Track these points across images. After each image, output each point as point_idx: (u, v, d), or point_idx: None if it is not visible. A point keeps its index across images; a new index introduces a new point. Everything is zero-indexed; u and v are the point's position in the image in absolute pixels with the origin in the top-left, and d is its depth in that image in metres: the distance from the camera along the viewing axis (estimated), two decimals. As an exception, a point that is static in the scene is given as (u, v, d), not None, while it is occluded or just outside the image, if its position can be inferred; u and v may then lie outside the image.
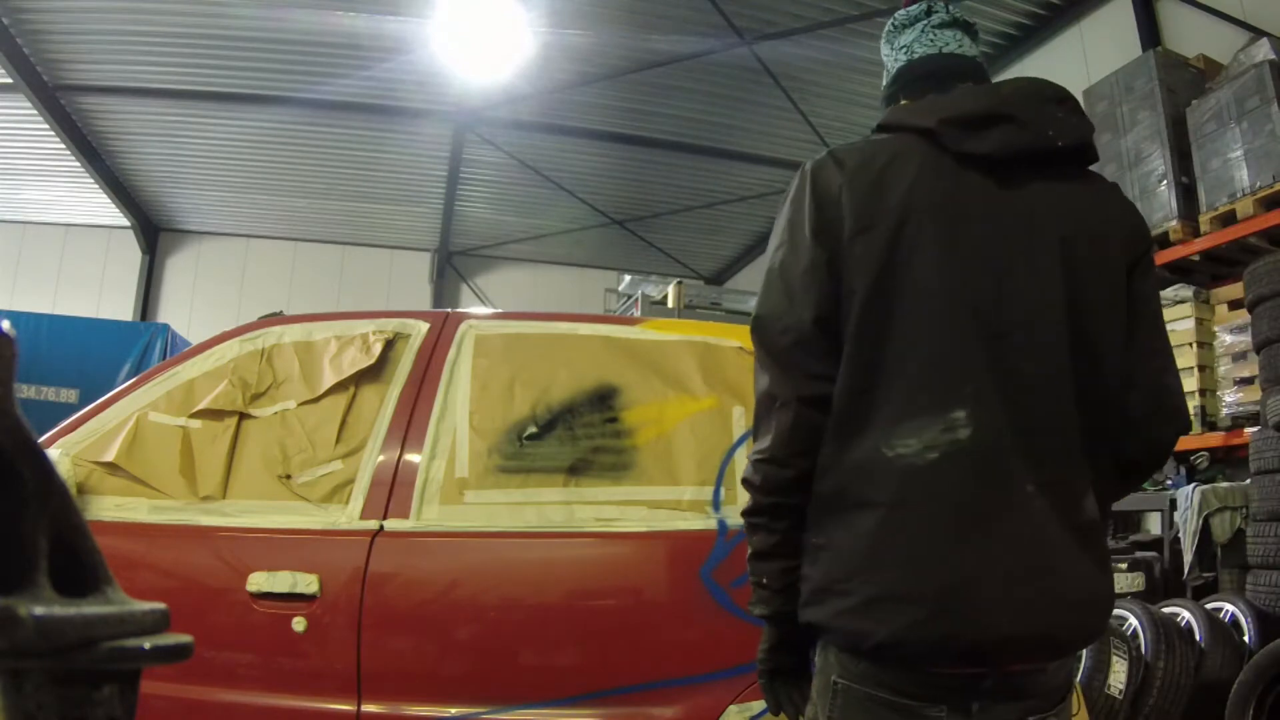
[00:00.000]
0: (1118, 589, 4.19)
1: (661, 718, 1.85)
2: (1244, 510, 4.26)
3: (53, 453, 2.14)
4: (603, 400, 2.21)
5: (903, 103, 1.30)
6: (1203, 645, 3.48)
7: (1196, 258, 5.39)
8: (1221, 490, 4.42)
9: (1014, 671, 1.09)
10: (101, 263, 11.79)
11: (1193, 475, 4.85)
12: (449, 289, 12.71)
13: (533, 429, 2.17)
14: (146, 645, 0.49)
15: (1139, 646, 3.42)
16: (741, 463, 2.06)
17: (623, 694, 1.88)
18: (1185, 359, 5.27)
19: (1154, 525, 5.01)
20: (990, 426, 1.08)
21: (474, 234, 12.34)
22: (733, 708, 1.81)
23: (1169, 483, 4.80)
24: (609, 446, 2.15)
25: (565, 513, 2.06)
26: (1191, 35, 6.18)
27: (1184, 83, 5.57)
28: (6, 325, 0.47)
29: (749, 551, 1.22)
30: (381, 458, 2.14)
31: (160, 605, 0.52)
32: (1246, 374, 4.88)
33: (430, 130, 9.71)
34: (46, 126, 8.83)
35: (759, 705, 1.79)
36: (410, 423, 2.18)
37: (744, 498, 2.01)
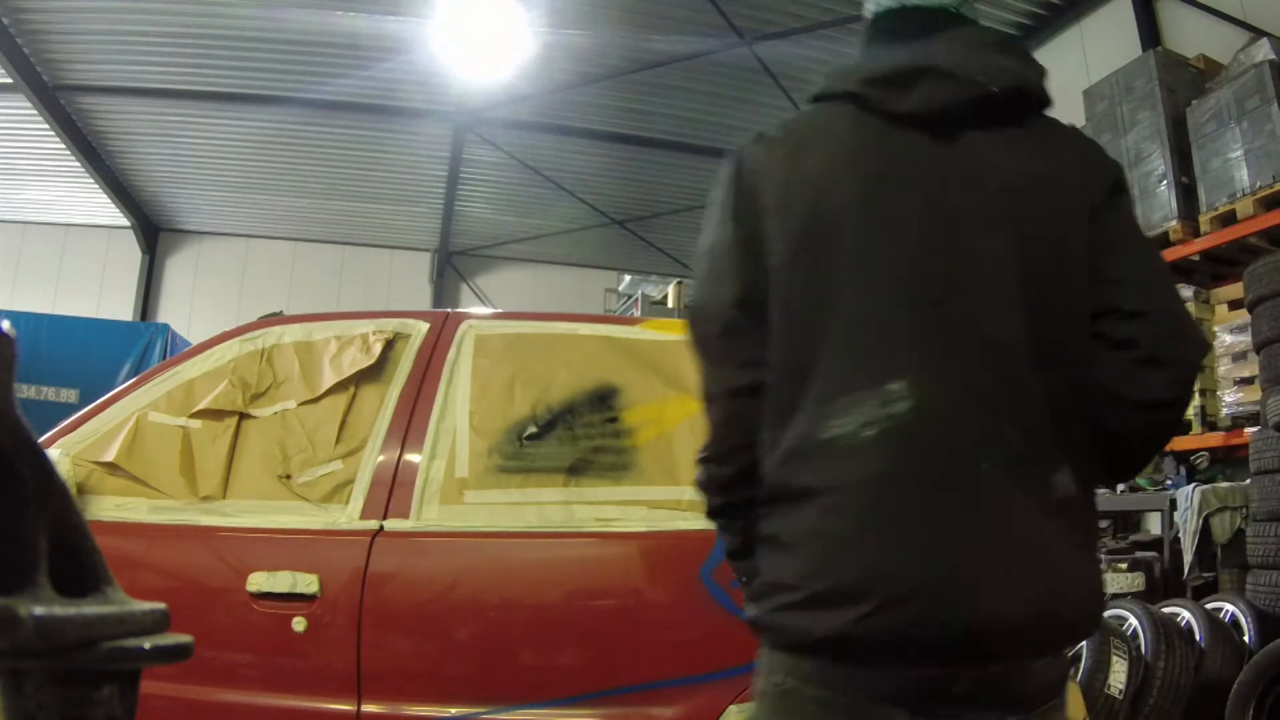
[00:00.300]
0: (1118, 589, 4.21)
1: (661, 718, 1.85)
2: (1244, 510, 4.26)
3: (53, 453, 2.14)
4: (603, 400, 2.21)
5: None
6: (1203, 645, 3.48)
7: (1196, 258, 5.39)
8: (1221, 490, 4.42)
9: (989, 673, 0.99)
10: (101, 263, 11.79)
11: (1193, 475, 4.85)
12: (449, 289, 12.71)
13: (533, 429, 2.17)
14: (146, 645, 0.49)
15: (1139, 646, 3.41)
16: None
17: (623, 694, 1.88)
18: (1185, 359, 5.26)
19: (1154, 525, 5.01)
20: (934, 399, 0.99)
21: (474, 234, 12.34)
22: (733, 708, 1.81)
23: (1169, 483, 4.80)
24: (609, 446, 2.15)
25: (565, 513, 2.05)
26: (1191, 35, 6.18)
27: (1184, 83, 5.57)
28: (6, 325, 0.47)
29: (725, 553, 1.19)
30: (381, 458, 2.14)
31: (160, 605, 0.52)
32: (1246, 374, 4.88)
33: (430, 130, 9.71)
34: (46, 126, 8.83)
35: (759, 705, 1.80)
36: (410, 423, 2.18)
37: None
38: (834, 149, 1.07)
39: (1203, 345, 1.10)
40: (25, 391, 6.68)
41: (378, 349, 2.29)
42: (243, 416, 2.26)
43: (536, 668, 1.96)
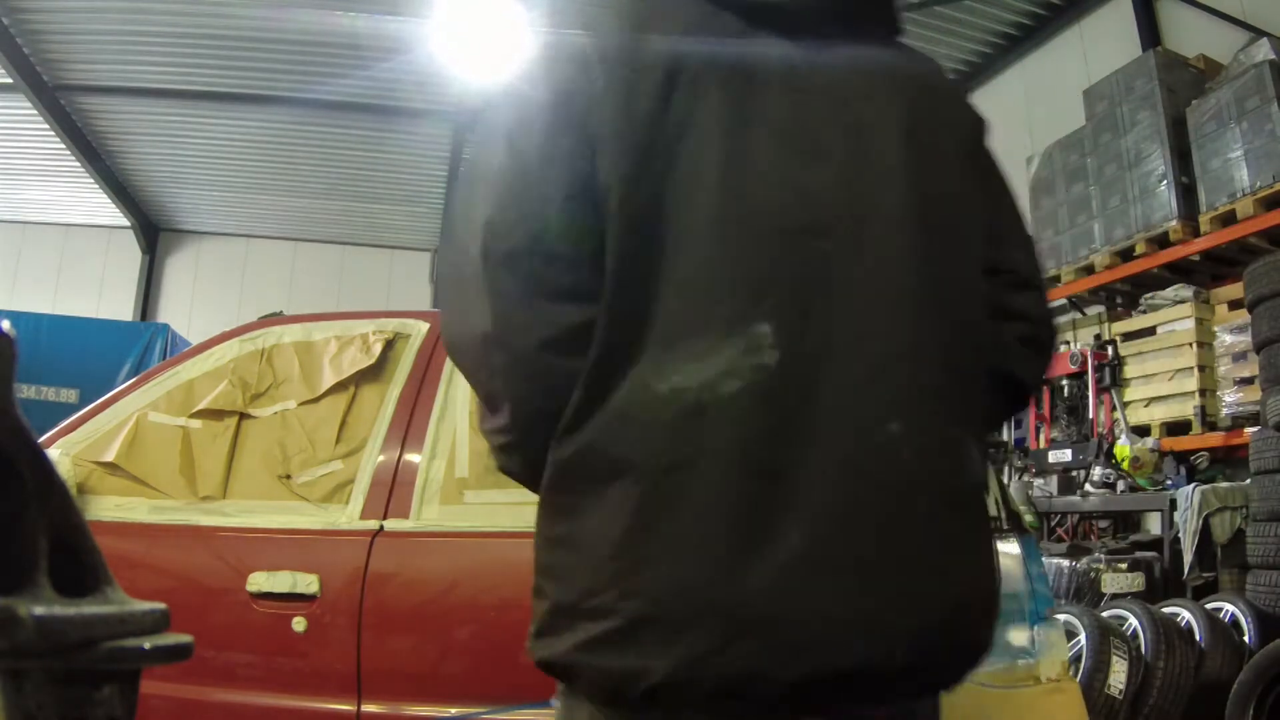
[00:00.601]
0: (1118, 589, 4.22)
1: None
2: (1244, 510, 4.26)
3: (53, 453, 2.14)
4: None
5: None
6: (1203, 645, 3.48)
7: (1196, 258, 5.40)
8: (1221, 490, 4.42)
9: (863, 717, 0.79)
10: (101, 263, 11.79)
11: (1193, 475, 4.85)
12: (449, 289, 12.69)
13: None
14: (146, 645, 0.49)
15: (1139, 646, 3.41)
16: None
17: (623, 694, 1.88)
18: (1185, 359, 5.27)
19: (1154, 525, 5.01)
20: (807, 350, 0.76)
21: (474, 234, 12.33)
22: (733, 708, 1.81)
23: (1169, 483, 4.80)
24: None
25: (565, 513, 2.06)
26: (1191, 35, 6.18)
27: (1184, 83, 5.57)
28: (6, 325, 0.48)
29: None
30: (381, 458, 2.14)
31: (160, 605, 0.52)
32: (1246, 374, 4.88)
33: (430, 130, 9.71)
34: (46, 126, 8.83)
35: (759, 705, 1.79)
36: (410, 423, 2.17)
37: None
38: (684, 45, 0.84)
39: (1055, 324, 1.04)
40: (25, 391, 6.68)
41: (378, 349, 2.29)
42: (243, 416, 2.26)
43: (536, 667, 1.95)
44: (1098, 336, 6.14)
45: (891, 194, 0.84)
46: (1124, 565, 4.36)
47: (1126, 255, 5.73)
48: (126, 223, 11.45)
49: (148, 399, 2.28)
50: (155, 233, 11.92)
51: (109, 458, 2.17)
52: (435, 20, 7.44)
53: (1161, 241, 5.47)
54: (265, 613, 1.96)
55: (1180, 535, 4.40)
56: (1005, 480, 5.24)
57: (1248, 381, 4.86)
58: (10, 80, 7.99)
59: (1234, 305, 5.02)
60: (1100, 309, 6.55)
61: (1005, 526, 2.08)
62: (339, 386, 2.26)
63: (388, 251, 12.59)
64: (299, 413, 2.25)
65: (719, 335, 0.76)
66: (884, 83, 0.89)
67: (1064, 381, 6.00)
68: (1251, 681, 3.12)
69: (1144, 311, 5.70)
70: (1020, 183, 6.96)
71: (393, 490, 2.09)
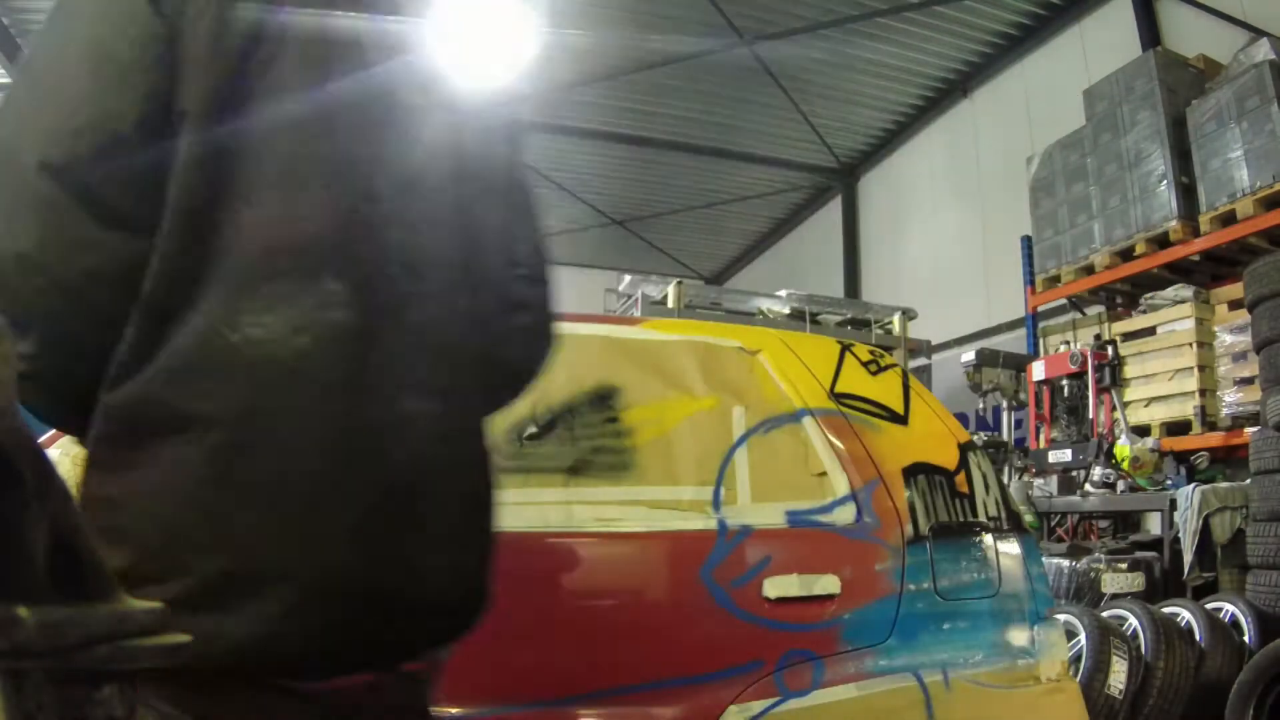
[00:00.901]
0: (1118, 589, 4.22)
1: (661, 718, 1.84)
2: (1244, 510, 4.27)
3: (53, 453, 2.14)
4: (603, 400, 2.21)
5: None
6: (1203, 645, 3.48)
7: (1196, 258, 5.40)
8: (1221, 490, 4.42)
9: (414, 671, 0.82)
10: (101, 263, 11.80)
11: (1193, 475, 4.85)
12: (449, 289, 12.70)
13: (533, 429, 2.17)
14: (146, 645, 0.49)
15: (1139, 646, 3.42)
16: (742, 463, 2.07)
17: (623, 694, 1.87)
18: (1185, 359, 5.27)
19: (1154, 525, 5.01)
20: (375, 312, 0.76)
21: (474, 234, 12.34)
22: (733, 708, 1.81)
23: (1169, 483, 4.80)
24: (609, 446, 2.15)
25: (565, 513, 2.05)
26: (1191, 35, 6.18)
27: (1184, 83, 5.57)
28: (7, 324, 0.48)
29: None
30: (381, 458, 2.14)
31: (160, 605, 0.52)
32: (1246, 374, 4.88)
33: (430, 130, 9.70)
34: (46, 126, 8.85)
35: (759, 705, 1.80)
36: (410, 423, 2.18)
37: (744, 497, 2.01)
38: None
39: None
40: (25, 391, 6.66)
41: (378, 349, 2.29)
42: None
43: (535, 667, 1.95)
44: (1098, 336, 6.14)
45: (439, 164, 0.86)
46: (1124, 565, 4.36)
47: (1126, 255, 5.73)
48: (126, 223, 11.46)
49: (148, 399, 2.28)
50: (155, 233, 11.93)
51: (109, 458, 2.17)
52: (435, 20, 7.45)
53: (1161, 241, 5.47)
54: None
55: (1180, 535, 4.40)
56: (1005, 480, 5.24)
57: (1248, 381, 4.86)
58: (11, 80, 8.01)
59: (1234, 305, 5.03)
60: (1100, 309, 6.55)
61: (1005, 526, 2.08)
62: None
63: (388, 251, 12.59)
64: (299, 413, 2.25)
65: (294, 284, 0.73)
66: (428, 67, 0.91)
67: (1064, 381, 6.00)
68: (1251, 681, 3.12)
69: (1144, 311, 5.70)
70: (1020, 183, 6.97)
71: (393, 490, 2.09)
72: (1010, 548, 2.03)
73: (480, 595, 0.87)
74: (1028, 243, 6.87)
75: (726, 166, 10.51)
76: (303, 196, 0.76)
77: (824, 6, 7.54)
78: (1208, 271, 5.57)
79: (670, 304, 6.89)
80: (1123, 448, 5.01)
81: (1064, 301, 6.81)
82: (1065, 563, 4.53)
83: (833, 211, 11.16)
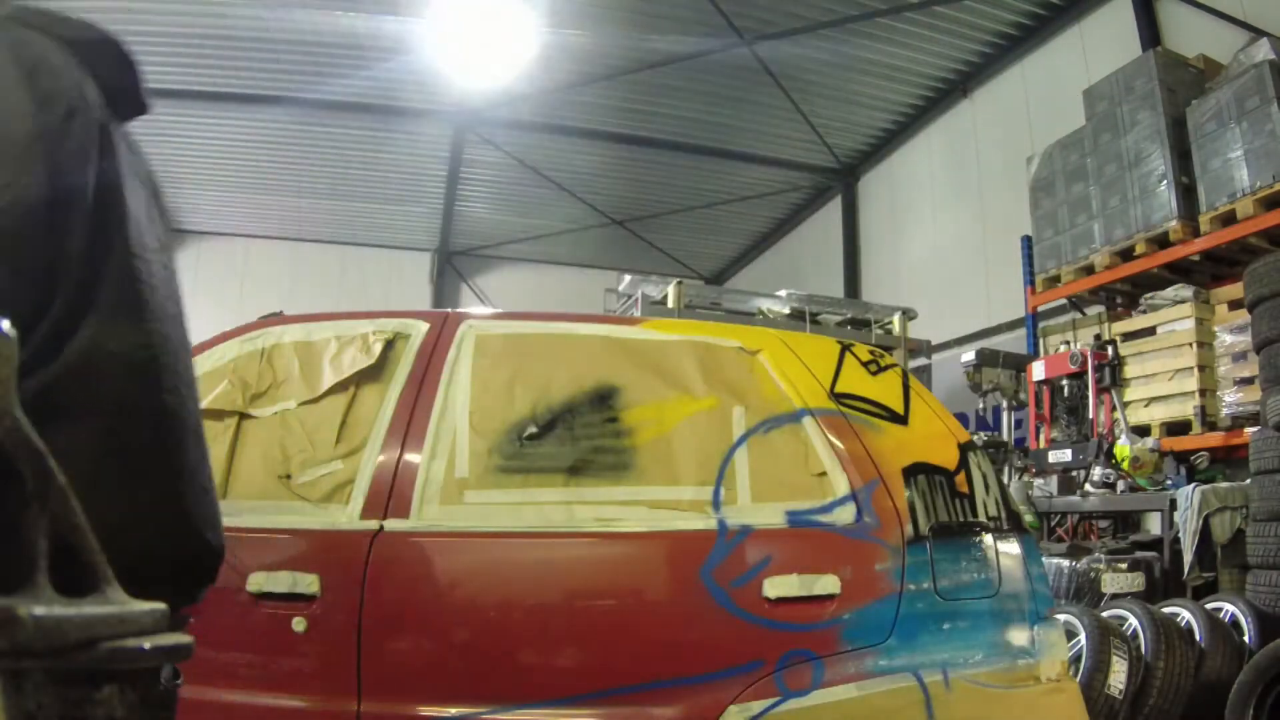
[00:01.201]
0: (1118, 589, 4.22)
1: (661, 718, 1.84)
2: (1244, 510, 4.27)
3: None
4: (603, 400, 2.21)
5: None
6: (1203, 645, 3.48)
7: (1196, 258, 5.40)
8: (1221, 490, 4.42)
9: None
10: (101, 263, 11.78)
11: (1193, 475, 4.85)
12: (449, 289, 12.71)
13: (533, 429, 2.17)
14: (146, 645, 0.49)
15: (1139, 646, 3.42)
16: (742, 463, 2.06)
17: (623, 694, 1.87)
18: (1185, 359, 5.27)
19: (1154, 525, 5.01)
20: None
21: (474, 234, 12.34)
22: (733, 708, 1.81)
23: (1169, 483, 4.80)
24: (609, 446, 2.15)
25: (565, 513, 2.05)
26: (1191, 35, 6.18)
27: (1184, 83, 5.58)
28: (6, 325, 0.47)
29: None
30: (381, 458, 2.14)
31: (160, 605, 0.52)
32: (1246, 374, 4.88)
33: (430, 130, 9.72)
34: (46, 126, 8.84)
35: (759, 705, 1.79)
36: (410, 423, 2.17)
37: (744, 497, 2.01)
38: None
39: None
40: (25, 391, 6.66)
41: (378, 349, 2.29)
42: (242, 416, 2.25)
43: (536, 667, 1.95)
44: (1098, 336, 6.14)
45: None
46: (1124, 565, 4.36)
47: (1126, 255, 5.73)
48: (126, 223, 11.44)
49: (148, 399, 2.27)
50: (155, 233, 11.92)
51: (109, 458, 2.16)
52: (435, 20, 7.45)
53: (1161, 241, 5.47)
54: (265, 613, 1.96)
55: (1180, 535, 4.40)
56: (1005, 480, 5.24)
57: (1248, 381, 4.86)
58: (10, 80, 8.00)
59: (1234, 305, 5.03)
60: (1100, 309, 6.56)
61: (1005, 526, 2.08)
62: (339, 386, 2.26)
63: (388, 251, 12.60)
64: (299, 413, 2.25)
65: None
66: None
67: (1064, 381, 6.00)
68: (1251, 681, 3.12)
69: (1144, 311, 5.70)
70: (1020, 183, 6.97)
71: (393, 490, 2.09)
72: (1010, 548, 2.03)
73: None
74: (1028, 243, 6.88)
75: (726, 166, 10.51)
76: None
77: (824, 6, 7.54)
78: (1208, 271, 5.57)
79: (670, 304, 6.89)
80: (1123, 448, 5.01)
81: (1064, 301, 6.81)
82: (1065, 563, 4.53)
83: (833, 211, 11.16)
